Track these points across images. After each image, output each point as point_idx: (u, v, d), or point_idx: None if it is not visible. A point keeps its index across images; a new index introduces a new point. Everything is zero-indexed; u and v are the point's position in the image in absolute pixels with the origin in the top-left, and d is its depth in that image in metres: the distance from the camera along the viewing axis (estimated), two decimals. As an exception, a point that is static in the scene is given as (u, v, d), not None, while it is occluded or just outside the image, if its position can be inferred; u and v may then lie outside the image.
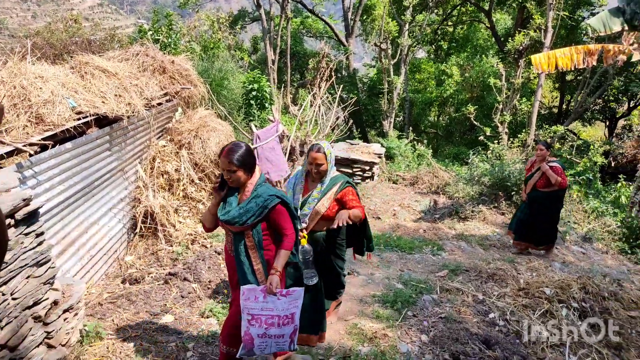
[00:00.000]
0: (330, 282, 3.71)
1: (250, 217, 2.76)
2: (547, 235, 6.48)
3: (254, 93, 12.15)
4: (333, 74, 11.38)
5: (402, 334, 3.89)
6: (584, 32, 16.96)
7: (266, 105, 12.28)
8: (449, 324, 4.01)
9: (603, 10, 9.73)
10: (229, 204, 2.82)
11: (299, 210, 3.37)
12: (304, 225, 3.39)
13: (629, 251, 8.05)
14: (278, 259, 2.82)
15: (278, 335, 2.83)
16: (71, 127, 4.18)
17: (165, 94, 6.30)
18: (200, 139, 6.46)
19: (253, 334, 2.80)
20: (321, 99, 10.54)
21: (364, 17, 22.46)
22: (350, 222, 3.33)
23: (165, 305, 4.24)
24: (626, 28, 7.73)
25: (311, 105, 10.60)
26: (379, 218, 8.27)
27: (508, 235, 6.99)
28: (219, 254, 5.13)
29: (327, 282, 3.66)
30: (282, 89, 11.39)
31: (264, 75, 13.63)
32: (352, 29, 21.63)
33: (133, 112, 5.17)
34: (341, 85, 12.62)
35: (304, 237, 3.33)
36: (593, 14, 16.29)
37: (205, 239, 5.73)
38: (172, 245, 5.52)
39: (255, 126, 9.48)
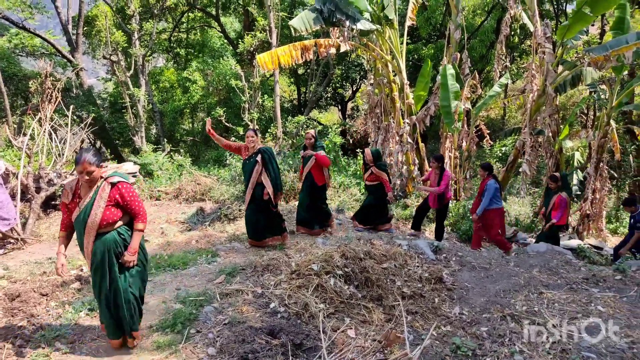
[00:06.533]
0: None
1: None
2: None
3: (-44, 130, 9.84)
4: (60, 93, 10.01)
5: (188, 355, 3.67)
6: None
7: (-22, 142, 10.10)
8: (233, 328, 3.96)
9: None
10: None
11: None
12: None
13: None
14: None
15: None
16: None
17: None
18: None
19: None
20: (50, 123, 9.19)
21: (87, 29, 20.53)
22: None
23: None
24: (324, 25, 8.84)
25: (39, 133, 9.15)
26: (147, 240, 7.69)
27: None
28: None
29: None
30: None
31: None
32: (77, 43, 19.52)
33: None
34: (71, 106, 11.25)
35: None
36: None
37: None
38: None
39: (-35, 169, 7.70)
